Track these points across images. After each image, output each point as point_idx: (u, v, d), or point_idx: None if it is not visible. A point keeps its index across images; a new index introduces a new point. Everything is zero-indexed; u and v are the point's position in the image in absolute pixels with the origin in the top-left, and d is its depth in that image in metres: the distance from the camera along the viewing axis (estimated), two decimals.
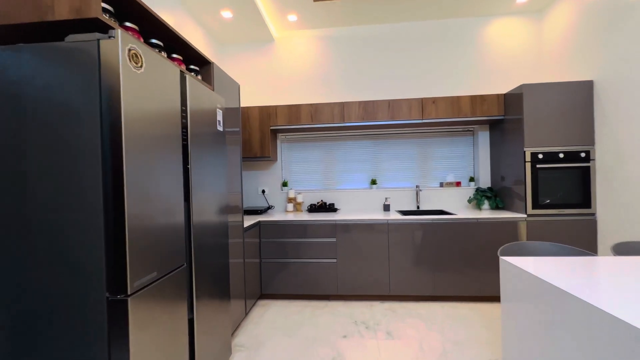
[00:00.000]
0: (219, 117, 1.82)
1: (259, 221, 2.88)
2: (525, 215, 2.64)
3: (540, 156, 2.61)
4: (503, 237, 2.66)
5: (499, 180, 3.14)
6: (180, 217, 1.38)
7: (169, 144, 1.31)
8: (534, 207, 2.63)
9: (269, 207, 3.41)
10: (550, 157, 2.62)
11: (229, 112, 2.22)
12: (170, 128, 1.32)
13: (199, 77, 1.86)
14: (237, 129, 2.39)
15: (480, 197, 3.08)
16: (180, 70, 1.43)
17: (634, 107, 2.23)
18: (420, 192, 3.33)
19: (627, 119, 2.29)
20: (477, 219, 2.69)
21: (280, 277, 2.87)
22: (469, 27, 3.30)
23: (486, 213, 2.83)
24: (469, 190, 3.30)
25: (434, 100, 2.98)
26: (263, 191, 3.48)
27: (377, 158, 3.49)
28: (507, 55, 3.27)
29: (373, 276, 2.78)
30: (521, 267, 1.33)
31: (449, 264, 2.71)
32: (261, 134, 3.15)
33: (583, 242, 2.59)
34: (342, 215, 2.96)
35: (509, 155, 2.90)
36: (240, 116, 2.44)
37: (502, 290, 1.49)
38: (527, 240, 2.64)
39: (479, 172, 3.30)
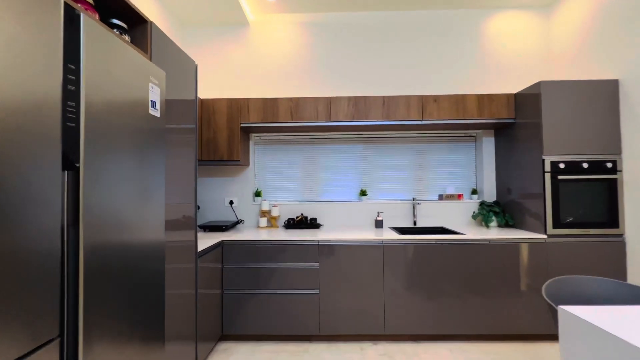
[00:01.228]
0: (154, 95, 1.25)
1: (222, 241, 2.27)
2: (545, 236, 2.21)
3: (562, 166, 2.21)
4: (520, 262, 2.21)
5: (506, 193, 2.73)
6: (55, 250, 0.78)
7: (30, 129, 0.72)
8: (555, 226, 2.21)
9: (238, 222, 2.81)
10: (573, 167, 2.23)
11: (181, 104, 1.64)
12: (30, 100, 0.73)
13: (127, 37, 1.28)
14: (192, 126, 1.81)
15: (486, 212, 2.65)
16: (66, 3, 0.86)
17: None
18: (417, 206, 2.86)
19: None
20: (489, 240, 2.23)
21: (247, 313, 2.26)
22: (473, 18, 2.92)
23: (496, 232, 2.38)
24: (472, 204, 2.86)
25: (436, 99, 2.54)
26: (231, 202, 2.88)
27: (367, 165, 3.00)
28: (514, 52, 2.91)
29: (364, 311, 2.23)
30: (605, 328, 0.83)
31: (456, 295, 2.21)
32: (229, 133, 2.57)
33: (610, 267, 2.18)
34: (327, 232, 2.42)
35: (521, 165, 2.49)
36: (196, 108, 1.86)
37: (566, 354, 0.99)
38: (549, 265, 2.21)
39: (483, 183, 2.87)
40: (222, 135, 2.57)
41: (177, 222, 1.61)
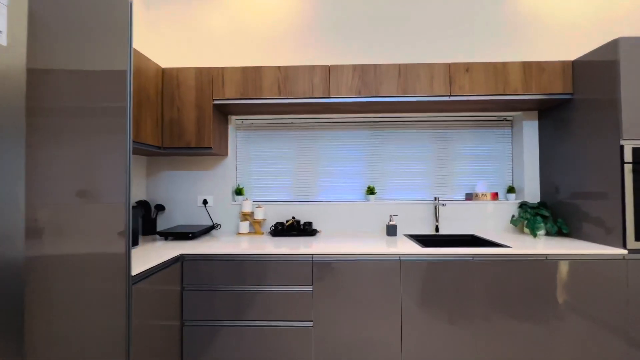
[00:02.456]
0: None
1: (182, 255, 1.69)
2: (625, 251, 1.61)
3: None
4: (590, 287, 1.61)
5: (553, 192, 2.12)
6: None
7: None
8: (638, 238, 1.60)
9: (213, 227, 2.22)
10: None
11: (102, 76, 1.05)
12: None
13: None
14: (122, 104, 1.20)
15: (531, 216, 2.04)
16: None
17: None
18: (440, 208, 2.26)
19: None
20: (545, 256, 1.63)
21: (215, 352, 1.67)
22: None
23: (547, 243, 1.78)
24: (509, 206, 2.25)
25: (468, 68, 1.94)
26: (205, 202, 2.29)
27: (376, 157, 2.40)
28: (568, 7, 2.29)
29: (375, 352, 1.64)
30: None
31: (504, 331, 1.62)
32: (199, 112, 1.98)
33: None
34: (324, 242, 1.83)
35: (581, 155, 1.88)
36: (129, 78, 1.24)
37: None
38: (631, 292, 1.60)
39: (523, 180, 2.27)
40: (189, 115, 1.98)
41: (88, 227, 1.02)
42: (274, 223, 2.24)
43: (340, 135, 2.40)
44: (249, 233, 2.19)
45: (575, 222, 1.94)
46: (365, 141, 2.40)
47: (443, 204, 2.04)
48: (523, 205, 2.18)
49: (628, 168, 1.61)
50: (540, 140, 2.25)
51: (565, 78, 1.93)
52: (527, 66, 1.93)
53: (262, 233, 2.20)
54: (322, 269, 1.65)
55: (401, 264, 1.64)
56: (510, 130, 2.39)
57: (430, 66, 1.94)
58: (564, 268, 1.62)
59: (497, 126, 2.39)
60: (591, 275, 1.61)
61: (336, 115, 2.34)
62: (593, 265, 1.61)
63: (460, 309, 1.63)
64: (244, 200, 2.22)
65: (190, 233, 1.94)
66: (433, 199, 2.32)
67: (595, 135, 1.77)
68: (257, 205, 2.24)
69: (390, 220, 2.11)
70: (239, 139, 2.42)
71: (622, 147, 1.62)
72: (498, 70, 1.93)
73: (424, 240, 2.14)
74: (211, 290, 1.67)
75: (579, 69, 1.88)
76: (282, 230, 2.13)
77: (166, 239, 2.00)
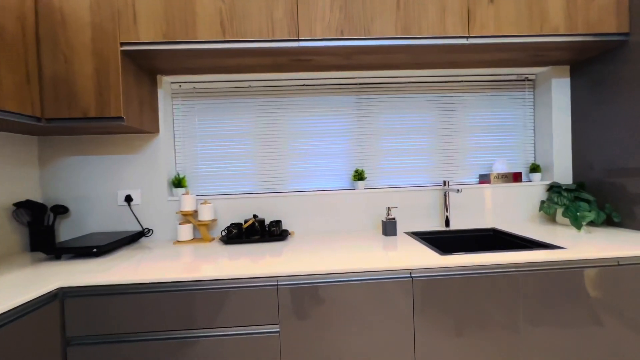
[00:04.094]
0: None
1: (60, 289, 1.04)
2: None
3: None
4: None
5: (590, 169, 1.65)
6: None
7: None
8: None
9: (143, 233, 1.57)
10: None
11: None
12: None
13: None
14: None
15: (569, 202, 1.55)
16: None
17: None
18: (450, 195, 1.72)
19: None
20: (617, 259, 1.13)
21: None
22: None
23: (606, 239, 1.30)
24: (534, 189, 1.76)
25: None
26: (128, 199, 1.62)
27: (366, 130, 1.81)
28: None
29: None
30: None
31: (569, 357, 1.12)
32: (99, 63, 1.29)
33: None
34: (296, 252, 1.24)
35: (635, 119, 1.39)
36: None
37: None
38: None
39: (552, 155, 1.77)
40: (84, 67, 1.29)
41: None
42: (229, 224, 1.62)
43: (317, 102, 1.79)
44: (193, 240, 1.56)
45: (628, 208, 1.46)
46: (351, 110, 1.80)
47: (458, 190, 1.51)
48: (554, 188, 1.69)
49: None
50: (573, 104, 1.75)
51: (620, 13, 1.41)
52: None
53: (211, 239, 1.57)
54: (294, 297, 1.07)
55: (413, 284, 1.08)
56: (532, 93, 1.87)
57: None
58: (637, 275, 1.13)
59: (516, 88, 1.87)
60: None
61: (311, 75, 1.72)
62: None
63: (509, 341, 1.10)
64: (185, 194, 1.57)
65: (95, 247, 1.28)
66: (441, 184, 1.79)
67: None
68: (203, 201, 1.60)
69: (388, 215, 1.55)
70: (178, 110, 1.75)
71: None
72: (532, 1, 1.38)
73: (434, 239, 1.60)
74: (115, 342, 1.04)
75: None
76: (239, 234, 1.52)
77: (58, 257, 1.32)
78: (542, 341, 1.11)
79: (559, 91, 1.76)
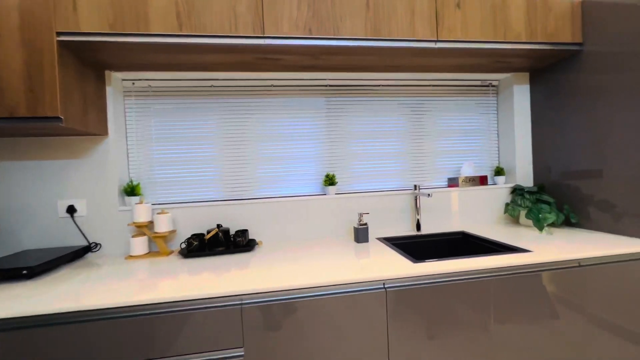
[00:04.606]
0: None
1: None
2: None
3: None
4: (632, 302, 1.20)
5: (548, 172, 1.73)
6: None
7: None
8: None
9: (89, 248, 1.39)
10: None
11: None
12: None
13: None
14: None
15: (532, 204, 1.61)
16: None
17: None
18: (421, 199, 1.72)
19: None
20: (578, 261, 1.16)
21: None
22: None
23: (566, 239, 1.35)
24: (499, 192, 1.81)
25: (460, 2, 1.38)
26: (71, 210, 1.43)
27: (336, 133, 1.76)
28: None
29: None
30: None
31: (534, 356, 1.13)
32: (29, 55, 1.12)
33: None
34: (263, 266, 1.15)
35: (591, 124, 1.47)
36: None
37: None
38: None
39: (515, 158, 1.83)
40: (10, 59, 1.11)
41: None
42: (190, 236, 1.48)
43: (286, 103, 1.70)
44: (148, 255, 1.40)
45: (582, 209, 1.54)
46: (322, 113, 1.74)
47: (429, 194, 1.50)
48: (517, 190, 1.75)
49: None
50: (532, 109, 1.82)
51: (575, 23, 1.48)
52: (530, 4, 1.44)
53: (169, 252, 1.43)
54: (259, 316, 0.98)
55: (387, 295, 1.04)
56: (496, 98, 1.93)
57: None
58: (598, 274, 1.17)
59: (481, 93, 1.92)
60: (629, 279, 1.20)
61: (279, 75, 1.64)
62: (633, 266, 1.20)
63: (475, 343, 1.09)
64: (138, 203, 1.42)
65: (25, 268, 1.10)
66: (412, 188, 1.78)
67: (616, 97, 1.35)
68: (160, 211, 1.45)
69: (360, 221, 1.51)
70: (131, 110, 1.58)
71: None
72: (497, 6, 1.41)
73: (405, 245, 1.58)
74: None
75: (592, 10, 1.44)
76: (201, 246, 1.39)
77: None
78: (510, 339, 1.12)
79: (520, 97, 1.83)
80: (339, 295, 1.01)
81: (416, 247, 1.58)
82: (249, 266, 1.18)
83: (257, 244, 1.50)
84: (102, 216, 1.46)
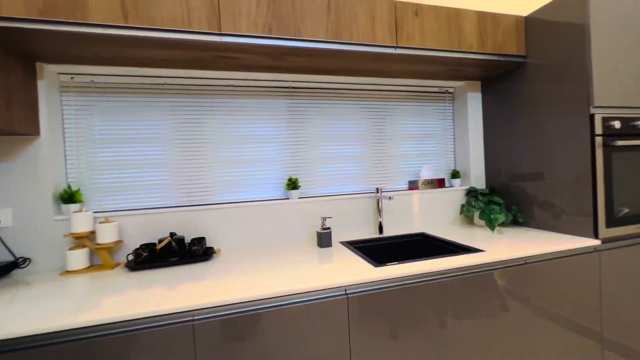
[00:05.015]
0: None
1: None
2: (598, 242, 1.34)
3: (618, 125, 1.35)
4: (566, 287, 1.30)
5: (498, 175, 1.85)
6: None
7: None
8: (609, 225, 1.36)
9: (17, 264, 1.22)
10: (630, 128, 1.41)
11: None
12: None
13: None
14: None
15: (484, 205, 1.71)
16: None
17: None
18: (383, 202, 1.75)
19: None
20: (524, 259, 1.25)
21: None
22: None
23: (514, 238, 1.45)
24: (455, 194, 1.90)
25: (418, 10, 1.42)
26: None
27: (298, 136, 1.73)
28: None
29: None
30: None
31: (483, 348, 1.18)
32: None
33: None
34: (220, 276, 1.08)
35: (534, 131, 1.59)
36: None
37: None
38: (603, 289, 1.36)
39: (469, 162, 1.94)
40: None
41: None
42: (139, 246, 1.36)
43: (246, 105, 1.64)
44: (90, 269, 1.26)
45: (528, 209, 1.66)
46: (284, 115, 1.70)
47: (390, 197, 1.53)
48: (472, 192, 1.85)
49: (598, 142, 1.34)
50: (484, 116, 1.94)
51: (519, 37, 1.60)
52: (481, 17, 1.52)
53: (115, 265, 1.30)
54: (215, 332, 0.91)
55: (348, 301, 1.03)
56: (452, 105, 2.03)
57: (371, 2, 1.35)
58: (542, 270, 1.27)
59: (438, 99, 2.00)
60: (566, 273, 1.30)
61: (239, 75, 1.57)
62: (569, 262, 1.31)
63: (434, 339, 1.12)
64: (77, 211, 1.27)
65: None
66: (374, 191, 1.80)
67: (554, 105, 1.48)
68: (102, 219, 1.31)
69: (323, 225, 1.49)
70: (70, 107, 1.42)
71: (592, 116, 1.34)
72: (451, 17, 1.47)
73: (368, 248, 1.59)
74: None
75: (534, 26, 1.56)
76: (152, 257, 1.28)
77: None
78: (466, 333, 1.16)
79: (473, 104, 1.94)
80: (300, 304, 0.97)
81: (378, 249, 1.60)
82: (205, 277, 1.11)
83: (215, 252, 1.42)
84: (32, 227, 1.29)
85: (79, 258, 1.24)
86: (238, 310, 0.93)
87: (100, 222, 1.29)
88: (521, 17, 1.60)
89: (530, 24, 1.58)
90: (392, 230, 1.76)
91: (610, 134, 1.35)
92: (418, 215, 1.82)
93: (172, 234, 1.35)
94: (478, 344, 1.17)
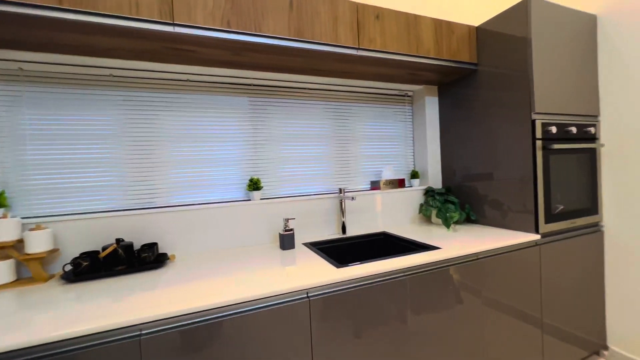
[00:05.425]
0: None
1: None
2: (538, 236, 1.47)
3: (554, 131, 1.49)
4: (511, 279, 1.41)
5: (452, 175, 1.96)
6: None
7: None
8: (547, 221, 1.49)
9: None
10: (563, 132, 1.56)
11: None
12: None
13: None
14: None
15: (441, 204, 1.79)
16: None
17: None
18: (345, 202, 1.76)
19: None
20: (476, 255, 1.32)
21: None
22: None
23: (467, 235, 1.54)
24: (415, 194, 1.97)
25: (379, 14, 1.45)
26: None
27: (260, 135, 1.68)
28: None
29: None
30: None
31: (437, 343, 1.23)
32: None
33: (588, 268, 1.65)
34: (171, 286, 1.01)
35: (483, 134, 1.70)
36: None
37: None
38: (543, 279, 1.49)
39: (427, 163, 2.02)
40: None
41: None
42: (78, 255, 1.22)
43: (205, 101, 1.55)
44: (16, 283, 1.10)
45: (480, 207, 1.78)
46: (245, 113, 1.63)
47: (352, 198, 1.54)
48: (429, 192, 1.93)
49: (539, 145, 1.46)
50: (440, 119, 2.04)
51: (471, 45, 1.70)
52: (437, 24, 1.59)
53: (48, 278, 1.15)
54: (165, 347, 0.84)
55: (310, 304, 1.01)
56: (411, 108, 2.11)
57: (333, 2, 1.35)
58: (492, 265, 1.35)
59: (398, 102, 2.06)
60: (512, 266, 1.41)
61: (196, 69, 1.48)
62: (515, 255, 1.41)
63: (395, 334, 1.14)
64: (1, 217, 1.10)
65: None
66: (337, 192, 1.81)
67: (500, 111, 1.59)
68: (33, 226, 1.16)
69: (286, 227, 1.46)
70: None
71: (533, 122, 1.46)
72: (410, 23, 1.52)
73: (331, 249, 1.59)
74: None
75: (484, 36, 1.67)
76: (94, 266, 1.16)
77: None
78: (425, 326, 1.20)
79: (431, 107, 2.02)
80: (260, 310, 0.94)
81: (341, 250, 1.61)
82: (156, 286, 1.02)
83: (168, 258, 1.32)
84: None
85: (1, 271, 1.08)
86: (191, 320, 0.86)
87: (31, 229, 1.13)
88: (473, 27, 1.70)
89: (481, 33, 1.68)
90: (355, 229, 1.78)
91: (548, 137, 1.48)
92: (380, 214, 1.86)
93: (118, 240, 1.23)
94: (435, 336, 1.22)
